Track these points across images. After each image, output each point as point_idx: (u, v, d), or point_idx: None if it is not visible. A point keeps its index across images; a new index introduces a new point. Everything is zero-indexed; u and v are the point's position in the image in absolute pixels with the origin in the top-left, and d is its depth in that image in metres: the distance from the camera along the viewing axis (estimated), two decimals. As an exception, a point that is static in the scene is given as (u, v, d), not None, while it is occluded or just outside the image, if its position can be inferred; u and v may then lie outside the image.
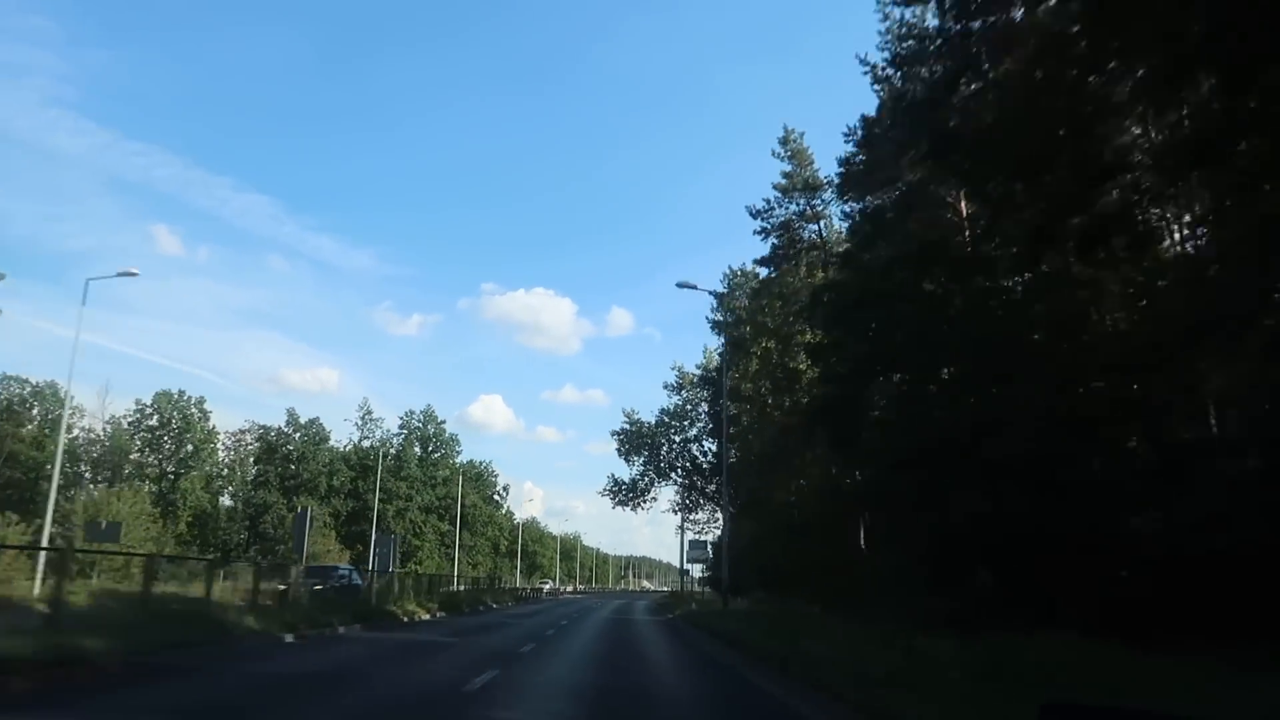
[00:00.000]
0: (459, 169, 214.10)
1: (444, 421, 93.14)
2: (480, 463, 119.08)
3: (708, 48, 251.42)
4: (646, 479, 54.02)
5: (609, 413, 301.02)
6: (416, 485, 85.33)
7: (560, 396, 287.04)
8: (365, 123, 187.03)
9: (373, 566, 39.00)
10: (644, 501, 54.60)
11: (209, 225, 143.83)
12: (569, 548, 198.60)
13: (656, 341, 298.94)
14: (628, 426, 53.40)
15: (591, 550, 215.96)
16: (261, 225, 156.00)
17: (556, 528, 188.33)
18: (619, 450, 53.59)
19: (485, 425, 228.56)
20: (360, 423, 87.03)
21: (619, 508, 54.55)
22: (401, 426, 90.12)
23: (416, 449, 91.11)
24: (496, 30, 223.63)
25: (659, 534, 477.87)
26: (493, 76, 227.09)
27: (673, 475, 54.42)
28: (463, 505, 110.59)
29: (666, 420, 53.48)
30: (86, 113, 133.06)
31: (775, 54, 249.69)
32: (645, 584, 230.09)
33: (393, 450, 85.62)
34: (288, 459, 78.74)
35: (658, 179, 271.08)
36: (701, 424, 53.27)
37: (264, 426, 79.18)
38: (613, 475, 54.88)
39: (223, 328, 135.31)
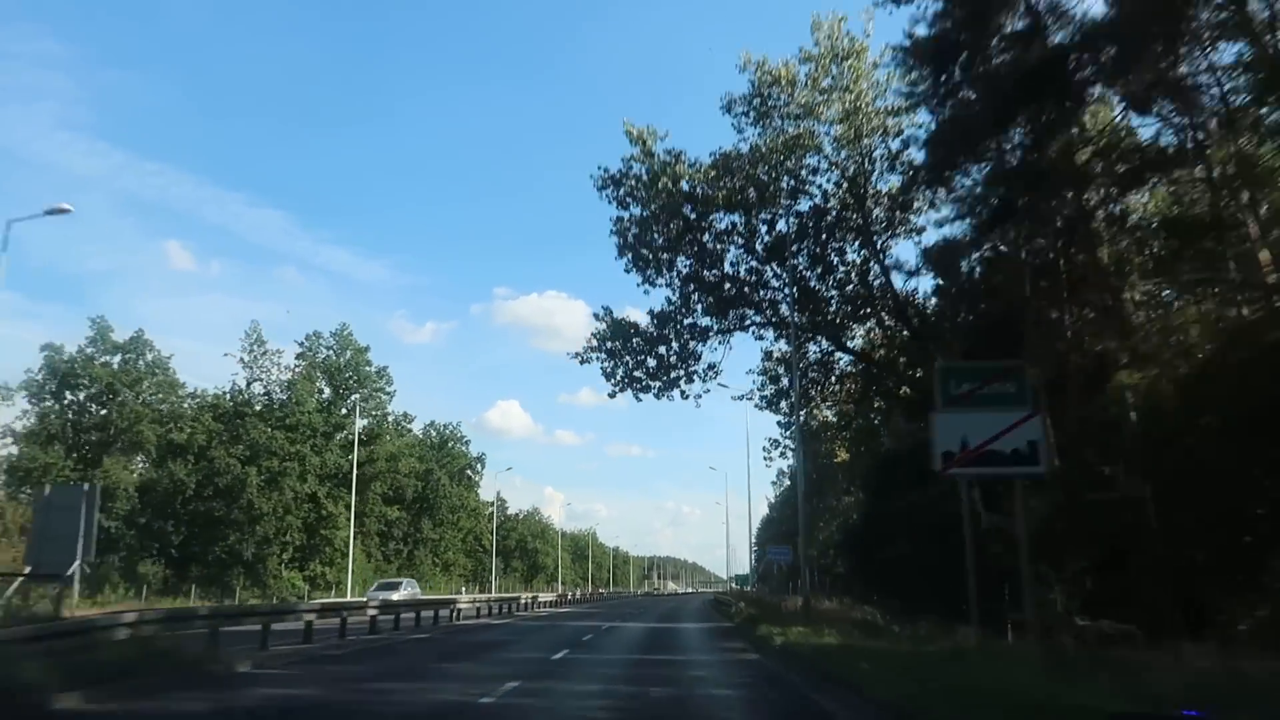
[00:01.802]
0: (469, 170, 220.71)
1: (368, 349, 61.67)
2: (446, 426, 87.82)
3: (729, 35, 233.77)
4: (682, 315, 22.90)
5: (628, 414, 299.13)
6: (309, 438, 53.58)
7: (578, 399, 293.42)
8: (377, 132, 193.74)
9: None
10: (685, 378, 23.58)
11: (222, 240, 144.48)
12: (581, 545, 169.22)
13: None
14: (636, 165, 21.72)
15: (608, 549, 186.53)
16: (275, 239, 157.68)
17: (578, 531, 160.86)
18: (619, 244, 22.48)
19: (504, 431, 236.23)
20: (247, 358, 55.84)
21: (628, 394, 23.53)
22: (300, 356, 58.64)
23: (324, 388, 59.62)
24: (508, 31, 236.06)
25: (682, 534, 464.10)
26: (502, 76, 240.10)
27: (749, 313, 23.41)
28: (424, 481, 79.69)
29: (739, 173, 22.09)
30: (101, 134, 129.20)
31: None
32: (671, 585, 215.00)
33: (277, 392, 54.92)
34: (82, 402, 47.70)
35: None
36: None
37: (50, 346, 47.67)
38: (607, 311, 23.85)
39: (233, 344, 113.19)
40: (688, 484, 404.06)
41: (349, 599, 38.51)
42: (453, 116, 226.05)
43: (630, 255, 22.88)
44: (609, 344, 23.91)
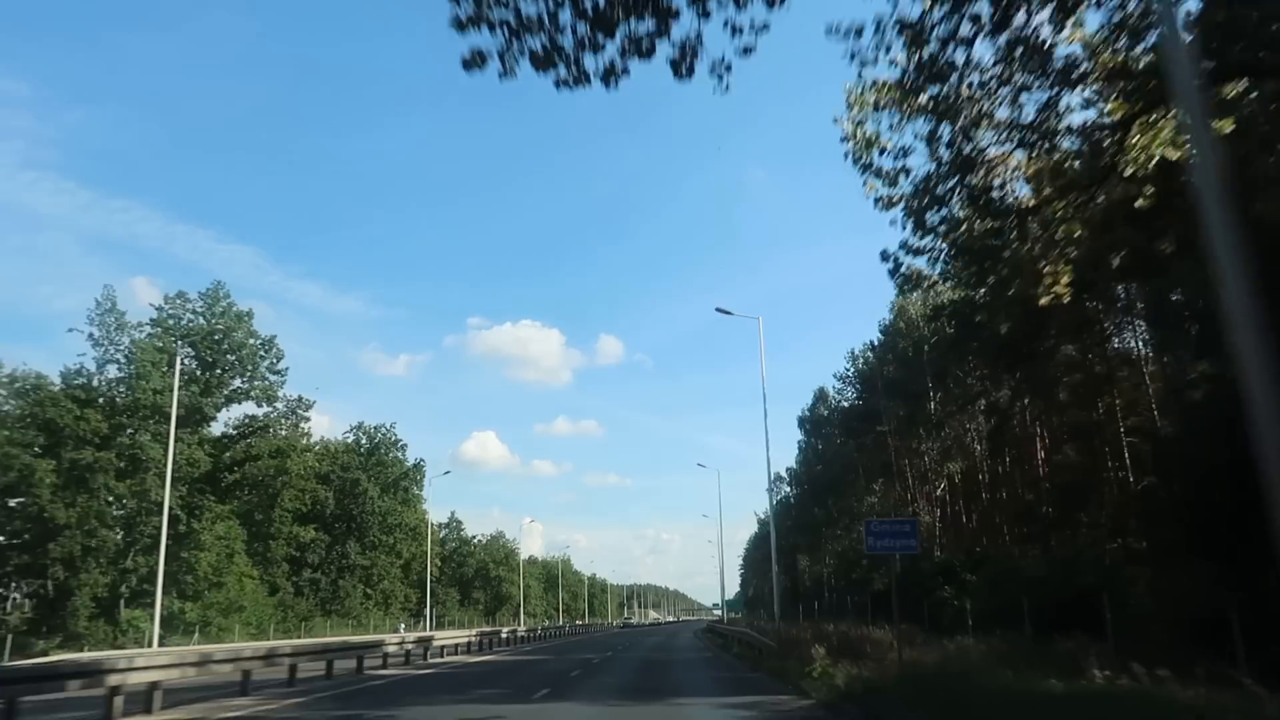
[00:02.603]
0: (440, 196, 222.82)
1: (250, 315, 47.32)
2: (378, 429, 73.50)
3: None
4: None
5: (605, 442, 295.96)
6: (149, 421, 38.94)
7: (554, 429, 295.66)
8: (348, 164, 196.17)
9: None
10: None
11: (192, 278, 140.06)
12: (553, 573, 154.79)
13: (648, 368, 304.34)
14: None
15: (584, 577, 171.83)
16: (246, 275, 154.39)
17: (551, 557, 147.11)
18: None
19: (480, 462, 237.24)
20: (98, 333, 41.50)
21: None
22: (155, 322, 44.23)
23: (191, 353, 45.11)
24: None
25: (662, 562, 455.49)
26: (474, 104, 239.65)
27: None
28: (347, 494, 65.17)
29: None
30: (68, 173, 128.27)
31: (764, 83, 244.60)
32: (653, 614, 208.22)
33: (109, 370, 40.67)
34: None
35: (641, 199, 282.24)
36: None
37: None
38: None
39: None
40: (667, 511, 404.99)
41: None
42: (422, 144, 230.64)
43: None
44: None
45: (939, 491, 48.58)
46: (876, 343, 51.49)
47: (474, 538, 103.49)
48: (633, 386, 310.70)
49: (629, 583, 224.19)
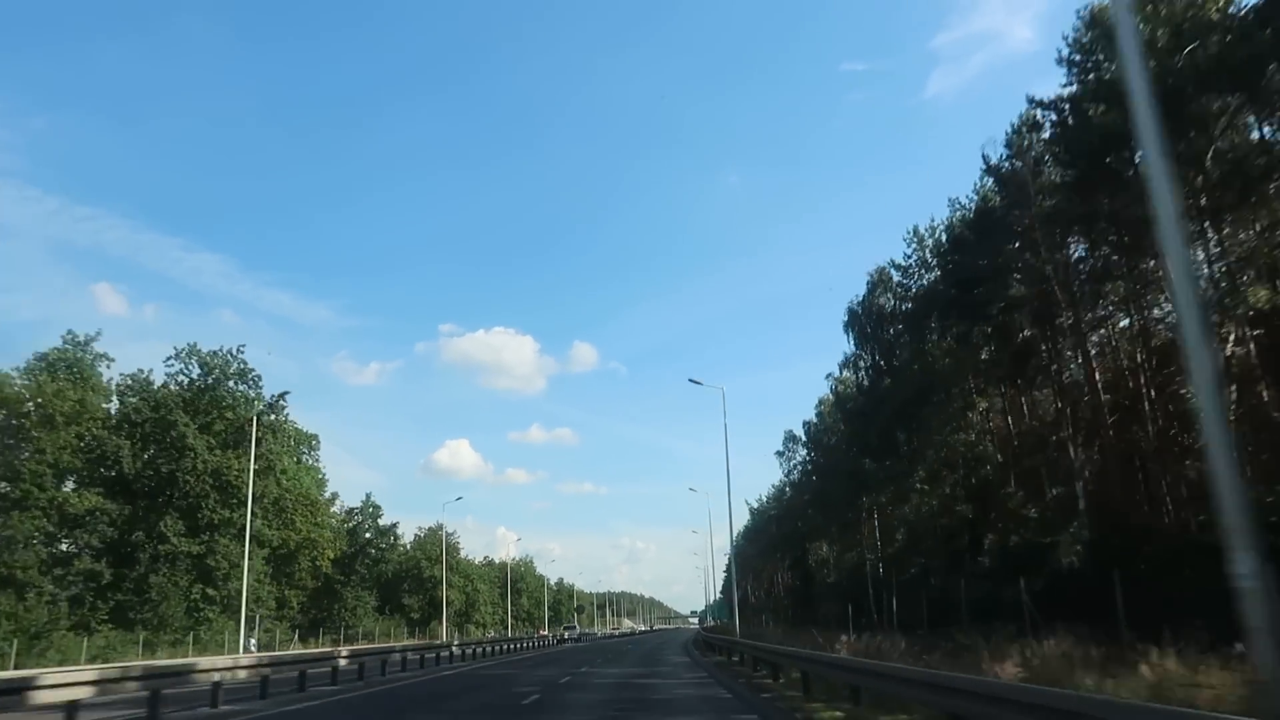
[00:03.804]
0: (414, 203, 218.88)
1: None
2: (213, 353, 50.69)
3: (675, 80, 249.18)
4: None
5: (578, 452, 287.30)
6: None
7: (528, 437, 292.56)
8: (319, 169, 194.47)
9: None
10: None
11: (158, 285, 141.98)
12: (511, 577, 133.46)
13: (622, 376, 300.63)
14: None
15: (547, 581, 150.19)
16: (214, 283, 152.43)
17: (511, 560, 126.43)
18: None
19: (453, 471, 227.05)
20: None
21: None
22: None
23: None
24: (437, 55, 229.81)
25: (638, 571, 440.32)
26: (446, 108, 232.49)
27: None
28: (155, 442, 43.42)
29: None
30: (33, 180, 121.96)
31: (731, 82, 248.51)
32: (627, 623, 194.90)
33: None
34: None
35: (614, 207, 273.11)
36: None
37: None
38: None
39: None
40: (642, 520, 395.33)
41: None
42: (394, 149, 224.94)
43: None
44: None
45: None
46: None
47: (393, 528, 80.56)
48: (607, 394, 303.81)
49: (605, 590, 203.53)
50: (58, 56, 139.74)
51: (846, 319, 41.88)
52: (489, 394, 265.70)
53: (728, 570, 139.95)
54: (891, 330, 38.69)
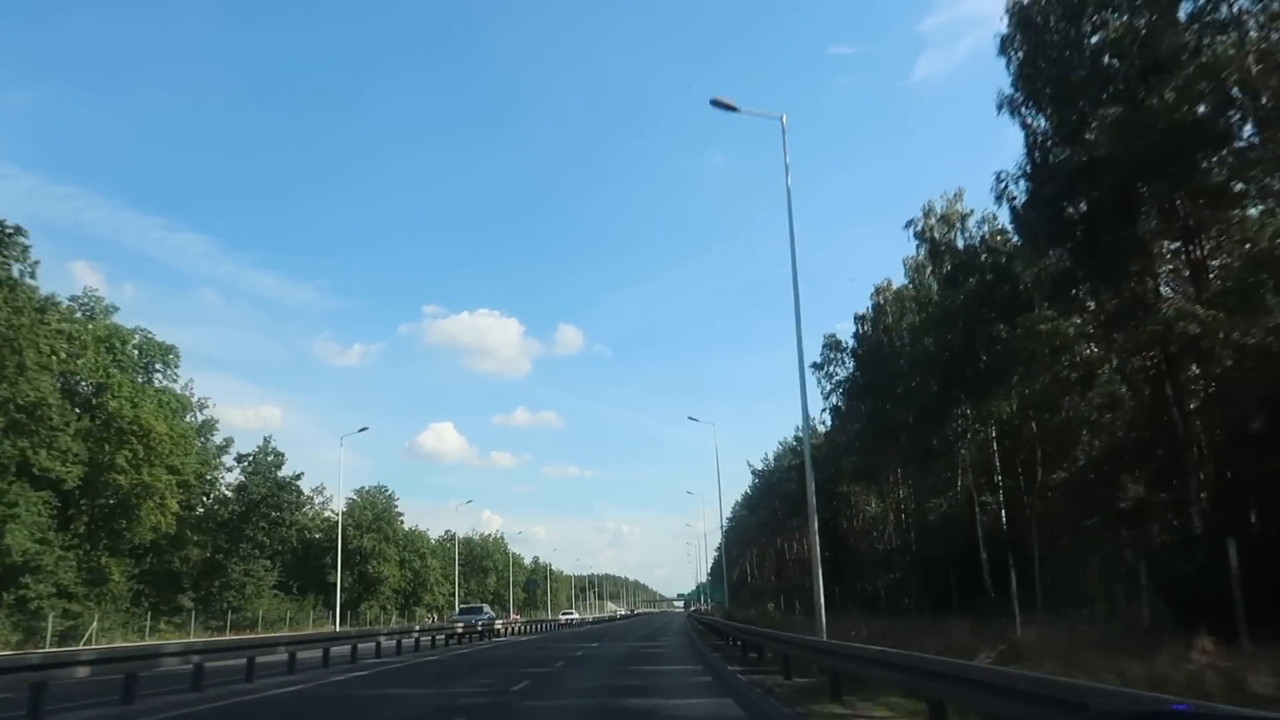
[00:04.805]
0: (398, 182, 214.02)
1: None
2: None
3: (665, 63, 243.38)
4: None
5: (564, 434, 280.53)
6: None
7: (513, 420, 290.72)
8: (304, 148, 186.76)
9: None
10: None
11: (138, 265, 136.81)
12: (476, 555, 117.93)
13: (608, 359, 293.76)
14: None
15: (521, 559, 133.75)
16: (197, 263, 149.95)
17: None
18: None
19: (438, 454, 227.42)
20: None
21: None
22: None
23: None
24: (421, 32, 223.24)
25: (623, 554, 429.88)
26: (431, 88, 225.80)
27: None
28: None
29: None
30: (12, 157, 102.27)
31: (717, 64, 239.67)
32: (610, 606, 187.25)
33: None
34: None
35: (600, 188, 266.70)
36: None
37: None
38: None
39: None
40: (627, 503, 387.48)
41: None
42: (378, 129, 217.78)
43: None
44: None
45: None
46: None
47: (296, 480, 62.01)
48: (592, 377, 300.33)
49: (589, 573, 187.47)
50: (37, 30, 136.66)
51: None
52: (473, 376, 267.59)
53: (719, 550, 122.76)
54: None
